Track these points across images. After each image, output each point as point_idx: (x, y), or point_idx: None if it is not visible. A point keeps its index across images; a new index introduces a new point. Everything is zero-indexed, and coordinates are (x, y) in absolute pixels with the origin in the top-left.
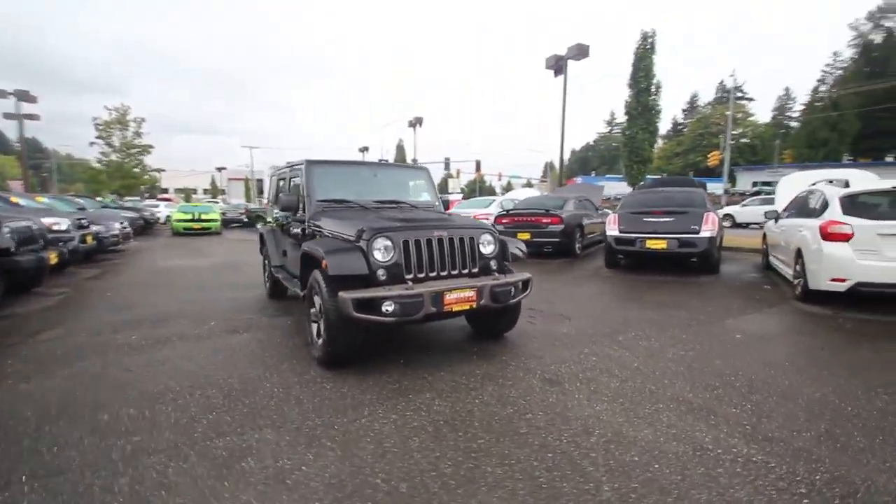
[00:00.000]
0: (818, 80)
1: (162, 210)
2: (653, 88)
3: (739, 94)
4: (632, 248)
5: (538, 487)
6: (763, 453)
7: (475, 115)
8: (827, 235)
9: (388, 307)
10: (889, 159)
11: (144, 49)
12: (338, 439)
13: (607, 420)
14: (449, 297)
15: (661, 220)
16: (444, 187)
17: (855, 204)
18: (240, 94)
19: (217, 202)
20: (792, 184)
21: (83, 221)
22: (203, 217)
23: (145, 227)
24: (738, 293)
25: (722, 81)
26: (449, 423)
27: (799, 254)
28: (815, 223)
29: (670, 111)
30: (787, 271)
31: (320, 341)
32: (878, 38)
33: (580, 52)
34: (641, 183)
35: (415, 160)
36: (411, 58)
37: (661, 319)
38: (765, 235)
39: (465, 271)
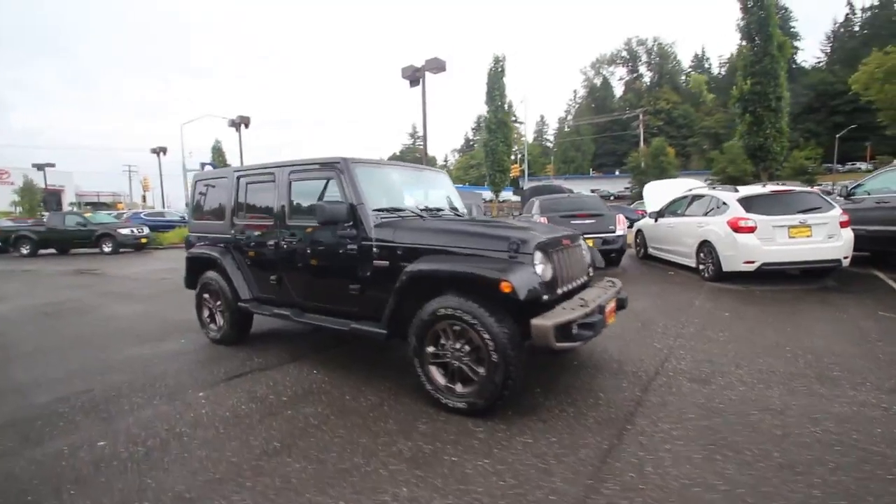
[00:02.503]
0: (565, 111)
1: None
2: (506, 106)
3: (514, 118)
4: None
5: (885, 479)
6: None
7: (310, 118)
8: (737, 228)
9: (576, 330)
10: (616, 173)
11: None
12: (654, 484)
13: (804, 404)
14: (607, 309)
15: (586, 221)
16: None
17: (749, 204)
18: None
19: None
20: (657, 191)
21: None
22: None
23: None
24: (658, 280)
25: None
26: (720, 442)
27: (703, 245)
28: (722, 219)
29: (462, 128)
30: (685, 260)
31: (461, 387)
32: (598, 81)
33: (437, 65)
34: (524, 188)
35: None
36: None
37: (651, 307)
38: (639, 231)
39: (582, 281)
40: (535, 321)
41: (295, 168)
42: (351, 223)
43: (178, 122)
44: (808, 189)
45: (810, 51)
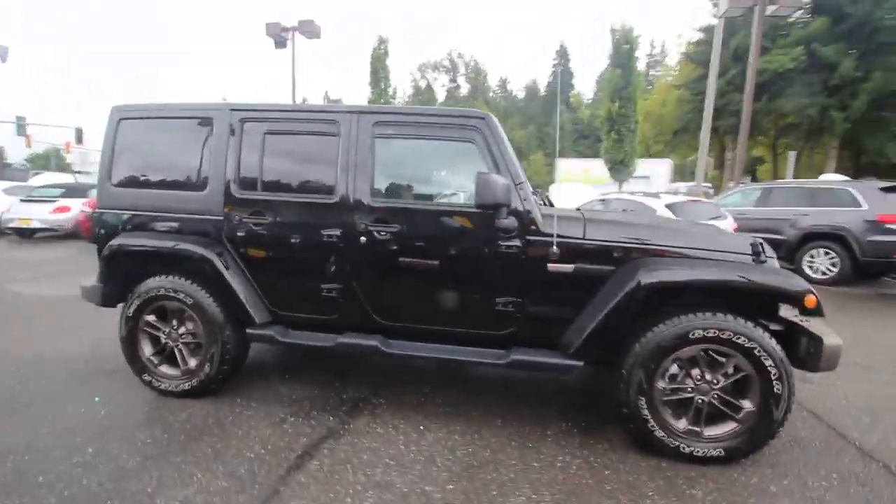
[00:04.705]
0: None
1: None
2: (390, 91)
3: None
4: None
5: None
6: None
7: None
8: None
9: None
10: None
11: None
12: None
13: None
14: None
15: None
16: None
17: (673, 209)
18: None
19: None
20: (561, 193)
21: None
22: None
23: None
24: None
25: (326, 92)
26: None
27: None
28: None
29: None
30: None
31: (707, 429)
32: (423, 84)
33: (311, 30)
34: None
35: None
36: None
37: None
38: None
39: None
40: (831, 340)
41: (387, 119)
42: (508, 209)
43: None
44: (708, 201)
45: (586, 88)
